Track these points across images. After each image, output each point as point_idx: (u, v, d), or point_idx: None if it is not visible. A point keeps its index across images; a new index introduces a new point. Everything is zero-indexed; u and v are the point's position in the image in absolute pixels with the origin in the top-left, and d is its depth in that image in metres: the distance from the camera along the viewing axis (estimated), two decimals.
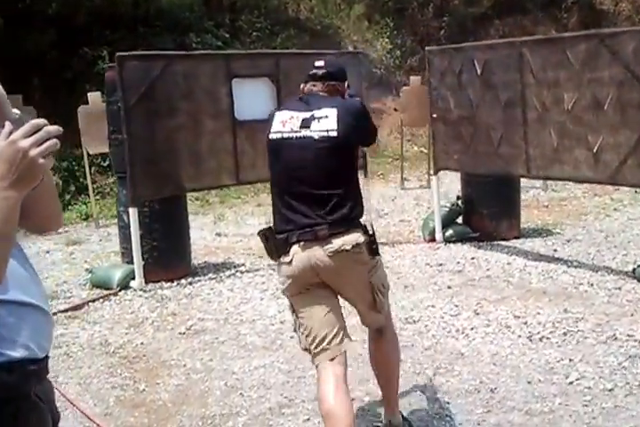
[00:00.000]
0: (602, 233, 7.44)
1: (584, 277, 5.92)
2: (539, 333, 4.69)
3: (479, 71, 6.61)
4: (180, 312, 5.59)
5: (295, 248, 3.05)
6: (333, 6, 16.43)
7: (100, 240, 8.42)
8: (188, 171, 6.36)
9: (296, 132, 3.11)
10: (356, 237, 3.07)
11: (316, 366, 3.15)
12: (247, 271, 6.62)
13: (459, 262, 6.52)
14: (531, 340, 4.60)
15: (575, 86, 5.81)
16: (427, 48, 7.52)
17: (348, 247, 3.04)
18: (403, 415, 3.59)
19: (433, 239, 7.26)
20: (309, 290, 3.14)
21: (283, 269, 3.14)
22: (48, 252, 8.13)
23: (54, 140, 1.44)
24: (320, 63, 3.25)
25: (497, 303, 5.35)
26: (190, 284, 6.30)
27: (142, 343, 5.02)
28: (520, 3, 17.91)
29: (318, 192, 3.06)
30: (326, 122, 3.07)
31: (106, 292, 6.21)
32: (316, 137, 3.07)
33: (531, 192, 9.62)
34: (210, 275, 6.56)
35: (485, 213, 7.24)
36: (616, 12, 17.74)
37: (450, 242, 7.19)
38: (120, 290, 6.17)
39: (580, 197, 9.21)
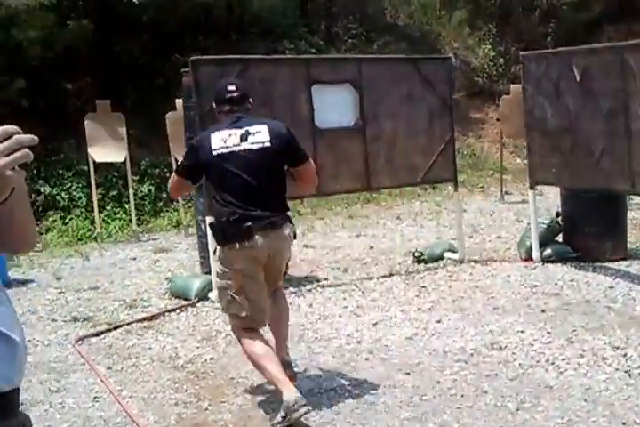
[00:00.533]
0: None
1: None
2: (639, 367, 4.31)
3: (578, 78, 6.26)
4: None
5: (257, 235, 3.86)
6: (433, 12, 16.20)
7: (187, 249, 8.50)
8: None
9: (237, 145, 3.93)
10: (291, 226, 4.07)
11: (240, 336, 4.08)
12: (329, 286, 6.48)
13: (556, 284, 6.17)
14: (629, 375, 4.22)
15: None
16: (522, 53, 7.20)
17: (291, 233, 4.06)
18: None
19: (529, 258, 6.91)
20: (257, 275, 4.01)
21: (245, 252, 3.90)
22: (134, 259, 8.27)
23: (25, 150, 1.30)
24: (232, 88, 4.12)
25: (594, 332, 4.99)
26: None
27: (212, 358, 4.93)
28: (634, 7, 17.17)
29: (264, 190, 3.93)
30: (260, 136, 3.96)
31: (184, 302, 6.20)
32: (255, 148, 3.93)
33: None
34: (291, 288, 6.41)
35: (588, 232, 6.84)
36: None
37: (548, 262, 6.83)
38: (198, 301, 6.14)
39: None
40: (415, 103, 6.93)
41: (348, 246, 8.11)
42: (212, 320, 5.68)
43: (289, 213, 4.12)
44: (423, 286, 6.30)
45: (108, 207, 10.45)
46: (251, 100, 4.17)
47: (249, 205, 3.89)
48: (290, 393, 3.73)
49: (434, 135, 7.04)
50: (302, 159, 4.09)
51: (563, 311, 5.46)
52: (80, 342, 5.40)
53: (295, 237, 4.16)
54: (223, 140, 3.93)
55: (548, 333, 5.00)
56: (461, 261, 7.04)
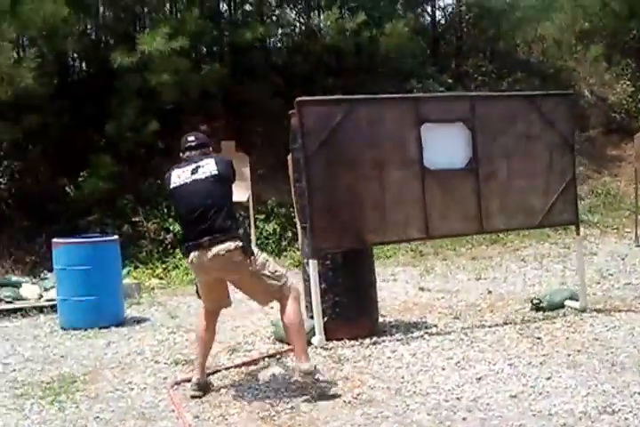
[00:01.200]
0: None
1: None
2: None
3: None
4: (353, 376, 5.15)
5: (192, 254, 4.69)
6: (568, 48, 15.49)
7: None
8: (371, 223, 5.99)
9: (188, 178, 4.75)
10: (228, 245, 4.60)
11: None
12: (437, 334, 6.06)
13: None
14: None
15: None
16: None
17: (222, 253, 4.60)
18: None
19: None
20: (205, 282, 4.98)
21: (192, 266, 4.90)
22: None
23: None
24: (191, 138, 4.97)
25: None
26: (374, 344, 5.87)
27: (305, 412, 4.64)
28: None
29: (207, 214, 4.63)
30: (209, 167, 4.74)
31: (285, 347, 5.96)
32: (204, 177, 4.71)
33: None
34: (397, 335, 6.09)
35: None
36: None
37: None
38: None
39: None
40: (533, 142, 6.48)
41: (466, 290, 7.67)
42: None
43: (238, 231, 4.77)
44: (538, 338, 5.77)
45: None
46: (210, 148, 5.03)
47: (193, 227, 4.69)
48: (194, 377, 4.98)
49: (553, 175, 6.54)
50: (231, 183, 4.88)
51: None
52: (176, 387, 5.27)
53: (247, 253, 4.66)
54: (178, 176, 4.80)
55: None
56: (583, 311, 6.44)
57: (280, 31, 13.93)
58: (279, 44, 14.28)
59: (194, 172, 4.73)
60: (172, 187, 4.80)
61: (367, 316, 6.14)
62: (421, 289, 7.80)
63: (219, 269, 4.72)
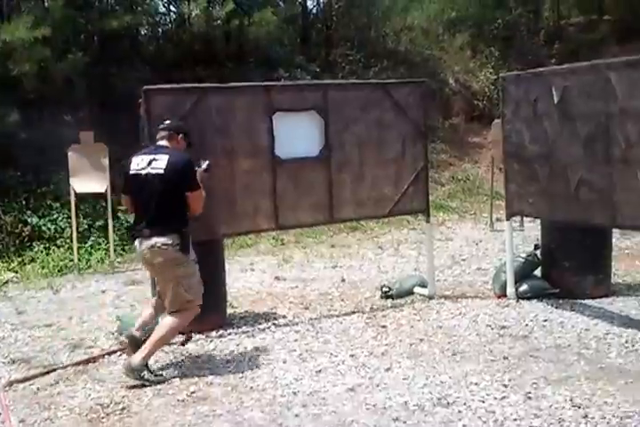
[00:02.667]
0: None
1: None
2: None
3: (556, 100, 5.63)
4: (192, 373, 4.87)
5: (136, 241, 4.82)
6: (435, 37, 15.60)
7: None
8: (222, 214, 5.69)
9: (143, 169, 4.79)
10: (164, 239, 4.68)
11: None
12: (284, 325, 5.85)
13: (527, 325, 5.50)
14: None
15: None
16: (501, 75, 6.58)
17: (159, 244, 4.69)
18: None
19: (504, 295, 6.24)
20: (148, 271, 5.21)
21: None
22: (104, 291, 7.69)
23: None
24: (166, 122, 5.03)
25: (557, 384, 4.31)
26: (220, 337, 5.59)
27: (135, 413, 4.32)
28: None
29: (151, 207, 4.73)
30: (159, 163, 4.74)
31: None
32: (153, 172, 4.74)
33: (638, 237, 8.35)
34: (244, 327, 5.83)
35: (568, 266, 6.15)
36: None
37: (524, 298, 6.15)
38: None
39: None
40: (386, 130, 6.32)
41: (321, 279, 7.48)
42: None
43: (179, 230, 4.73)
44: (383, 326, 5.65)
45: (93, 238, 9.92)
46: (179, 137, 4.98)
47: (140, 217, 4.84)
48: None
49: (405, 163, 6.42)
50: (190, 188, 4.80)
51: (527, 358, 4.79)
52: (7, 389, 4.83)
53: (179, 247, 4.69)
54: (137, 163, 4.83)
55: (505, 385, 4.33)
56: (431, 298, 6.38)
57: (150, 20, 13.36)
58: (149, 33, 13.67)
59: (149, 164, 4.77)
60: (129, 173, 4.85)
61: (215, 309, 5.82)
62: (277, 279, 7.56)
63: (150, 261, 4.78)
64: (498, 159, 10.01)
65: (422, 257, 7.96)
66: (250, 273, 7.95)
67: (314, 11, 15.66)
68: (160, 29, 13.74)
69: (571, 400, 4.05)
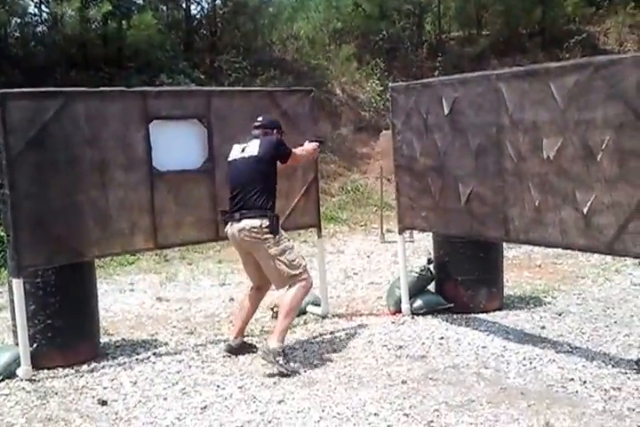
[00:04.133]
0: (600, 303, 6.11)
1: (575, 368, 4.59)
2: None
3: (446, 111, 5.40)
4: (58, 415, 4.27)
5: (227, 225, 4.99)
6: (322, 47, 15.38)
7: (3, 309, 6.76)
8: (91, 234, 5.12)
9: (238, 155, 5.05)
10: (255, 221, 4.81)
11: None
12: (166, 354, 5.32)
13: (423, 344, 5.21)
14: None
15: (560, 129, 4.56)
16: (390, 85, 6.32)
17: (248, 227, 4.81)
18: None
19: (399, 311, 5.96)
20: (240, 253, 5.18)
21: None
22: None
23: None
24: (259, 119, 5.19)
25: (459, 410, 4.02)
26: (92, 371, 4.98)
27: None
28: (519, 42, 16.84)
29: (241, 193, 4.91)
30: (252, 148, 4.99)
31: None
32: (247, 156, 4.99)
33: (523, 248, 8.31)
34: (120, 358, 5.25)
35: (461, 281, 5.94)
36: (620, 52, 16.57)
37: (418, 314, 5.89)
38: (2, 380, 4.88)
39: (577, 255, 7.82)
40: None
41: (207, 299, 6.99)
42: (10, 407, 4.40)
43: (267, 209, 4.86)
44: None
45: None
46: (275, 130, 5.19)
47: (232, 202, 4.95)
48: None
49: (296, 176, 6.05)
50: (285, 156, 5.08)
51: (427, 381, 4.48)
52: None
53: (271, 232, 4.80)
54: (235, 150, 5.11)
55: (406, 415, 3.99)
56: (324, 317, 6.02)
57: (19, 20, 12.47)
58: (17, 34, 12.75)
59: (243, 150, 5.01)
60: (228, 159, 5.12)
61: (86, 339, 5.24)
62: (159, 300, 6.99)
63: (241, 243, 4.89)
64: (386, 170, 9.86)
65: (315, 272, 7.57)
66: (129, 294, 7.34)
67: (198, 16, 15.09)
68: (31, 30, 12.83)
69: None
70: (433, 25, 17.85)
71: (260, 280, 5.14)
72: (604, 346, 5.01)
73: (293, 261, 4.87)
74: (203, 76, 12.54)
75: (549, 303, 6.19)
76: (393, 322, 5.77)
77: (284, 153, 5.05)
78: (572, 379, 4.39)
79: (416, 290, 5.99)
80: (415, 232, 9.08)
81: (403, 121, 5.91)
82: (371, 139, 13.30)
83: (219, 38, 14.30)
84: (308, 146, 5.44)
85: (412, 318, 5.84)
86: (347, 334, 5.57)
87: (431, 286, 6.17)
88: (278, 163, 5.06)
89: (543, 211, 4.74)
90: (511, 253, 8.11)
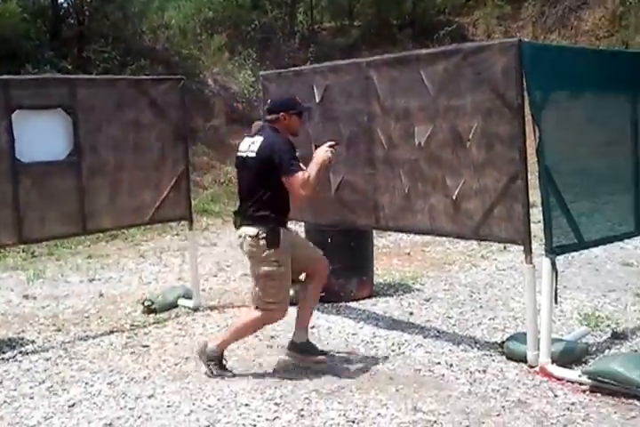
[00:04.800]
0: (466, 288, 6.33)
1: (442, 352, 4.73)
2: None
3: (318, 99, 5.43)
4: None
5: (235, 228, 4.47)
6: (193, 36, 15.13)
7: None
8: None
9: (244, 152, 4.39)
10: (252, 230, 4.26)
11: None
12: (33, 352, 5.09)
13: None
14: None
15: (430, 116, 4.68)
16: (261, 73, 6.30)
17: (243, 235, 4.31)
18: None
19: None
20: None
21: None
22: None
23: None
24: (268, 101, 4.55)
25: (329, 398, 4.05)
26: None
27: None
28: (391, 33, 17.21)
29: (246, 193, 4.37)
30: (255, 146, 4.30)
31: None
32: (250, 156, 4.31)
33: (393, 236, 8.51)
34: None
35: (332, 270, 5.88)
36: None
37: (291, 304, 5.84)
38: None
39: (444, 242, 8.09)
40: (144, 131, 5.78)
41: (76, 295, 6.72)
42: None
43: (268, 218, 4.25)
44: (145, 346, 5.10)
45: None
46: (280, 113, 4.39)
47: (240, 203, 4.45)
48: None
49: (165, 168, 5.92)
50: (284, 173, 4.20)
51: (297, 370, 4.50)
52: None
53: (268, 243, 4.23)
54: (243, 145, 4.45)
55: (277, 404, 3.99)
56: (196, 309, 5.94)
57: None
58: None
59: (248, 146, 4.38)
60: (237, 155, 4.50)
61: None
62: (26, 297, 6.67)
63: (243, 251, 4.43)
64: None
65: (186, 265, 7.46)
66: None
67: (65, 4, 14.47)
68: None
69: (344, 415, 3.80)
70: (305, 15, 17.99)
71: (305, 267, 4.61)
72: (469, 330, 5.20)
73: (272, 288, 4.31)
74: (70, 67, 12.05)
75: (418, 290, 6.36)
76: None
77: (284, 168, 4.19)
78: (439, 363, 4.53)
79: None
80: (291, 222, 9.09)
81: None
82: (243, 130, 13.19)
83: (87, 27, 13.76)
84: (317, 156, 4.41)
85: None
86: (218, 325, 5.51)
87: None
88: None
89: (413, 198, 4.87)
90: (381, 241, 8.27)
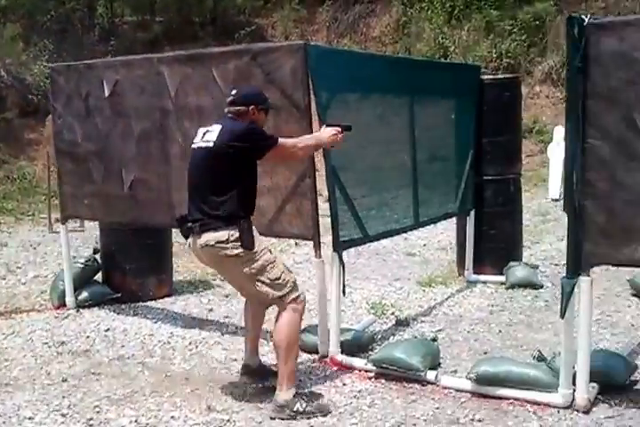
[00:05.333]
0: None
1: (239, 348, 4.59)
2: None
3: (107, 94, 5.16)
4: None
5: (189, 238, 3.65)
6: None
7: None
8: None
9: (197, 142, 3.70)
10: (221, 235, 3.49)
11: None
12: None
13: (88, 337, 4.94)
14: None
15: (220, 114, 4.57)
16: (51, 65, 5.90)
17: (212, 243, 3.51)
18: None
19: (63, 305, 5.60)
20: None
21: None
22: None
23: None
24: (233, 92, 3.79)
25: (121, 403, 3.85)
26: None
27: None
28: (193, 30, 16.92)
29: (202, 192, 3.59)
30: (211, 135, 3.62)
31: None
32: (204, 146, 3.62)
33: None
34: None
35: (129, 269, 5.75)
36: None
37: (84, 307, 5.58)
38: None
39: None
40: None
41: None
42: None
43: (236, 217, 3.54)
44: None
45: None
46: (249, 107, 3.70)
47: (192, 204, 3.67)
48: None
49: None
50: (261, 150, 3.60)
51: (90, 377, 4.24)
52: None
53: (243, 245, 3.51)
54: (198, 135, 3.76)
55: (63, 415, 3.72)
56: None
57: None
58: None
59: (203, 136, 3.69)
60: (191, 146, 3.78)
61: None
62: None
63: (209, 263, 3.73)
64: (55, 156, 9.24)
65: None
66: None
67: None
68: None
69: (136, 421, 3.61)
70: (105, 8, 17.25)
71: (249, 298, 3.94)
72: (266, 324, 5.12)
73: (277, 279, 3.62)
74: None
75: (218, 286, 6.25)
76: (56, 317, 5.40)
77: (255, 146, 3.57)
78: (235, 359, 4.45)
79: (82, 282, 5.68)
80: (87, 221, 8.66)
81: (64, 104, 5.55)
82: (39, 124, 12.44)
83: None
84: (324, 132, 3.85)
85: (78, 311, 5.52)
86: (4, 333, 5.07)
87: (99, 277, 5.90)
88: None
89: None
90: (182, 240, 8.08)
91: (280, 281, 3.63)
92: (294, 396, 3.61)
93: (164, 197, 4.96)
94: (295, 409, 3.56)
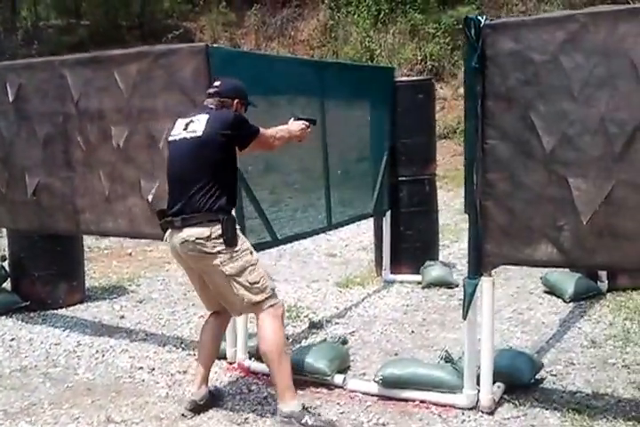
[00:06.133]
0: (182, 287, 6.11)
1: (147, 356, 4.47)
2: None
3: (11, 98, 4.90)
4: None
5: (167, 233, 3.45)
6: None
7: None
8: None
9: (179, 134, 3.47)
10: (202, 231, 3.28)
11: None
12: None
13: None
14: None
15: (126, 118, 4.38)
16: None
17: (192, 238, 3.29)
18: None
19: None
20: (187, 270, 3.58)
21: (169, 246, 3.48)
22: None
23: None
24: (216, 83, 3.59)
25: (17, 417, 3.61)
26: None
27: None
28: (119, 34, 16.52)
29: (185, 185, 3.35)
30: (198, 125, 3.40)
31: None
32: (189, 137, 3.41)
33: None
34: None
35: (37, 277, 5.47)
36: None
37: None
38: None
39: None
40: None
41: None
42: None
43: (219, 212, 3.31)
44: None
45: None
46: (234, 100, 3.53)
47: (173, 198, 3.42)
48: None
49: None
50: (246, 138, 3.45)
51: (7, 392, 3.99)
52: None
53: (226, 242, 3.29)
54: (178, 127, 3.52)
55: None
56: None
57: None
58: None
59: (185, 127, 3.46)
60: (168, 139, 3.56)
61: None
62: None
63: (186, 259, 3.43)
64: None
65: None
66: None
67: None
68: None
69: None
70: (29, 11, 16.70)
71: (217, 304, 3.62)
72: (178, 330, 4.99)
73: (256, 282, 3.37)
74: None
75: (133, 291, 6.04)
76: None
77: (243, 134, 3.41)
78: (142, 367, 4.26)
79: None
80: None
81: None
82: None
83: None
84: (293, 125, 3.75)
85: None
86: None
87: (7, 285, 5.61)
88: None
89: (113, 200, 4.56)
90: (104, 242, 7.83)
91: (259, 285, 3.38)
92: (302, 407, 3.40)
93: (68, 203, 4.74)
94: (304, 422, 3.32)
